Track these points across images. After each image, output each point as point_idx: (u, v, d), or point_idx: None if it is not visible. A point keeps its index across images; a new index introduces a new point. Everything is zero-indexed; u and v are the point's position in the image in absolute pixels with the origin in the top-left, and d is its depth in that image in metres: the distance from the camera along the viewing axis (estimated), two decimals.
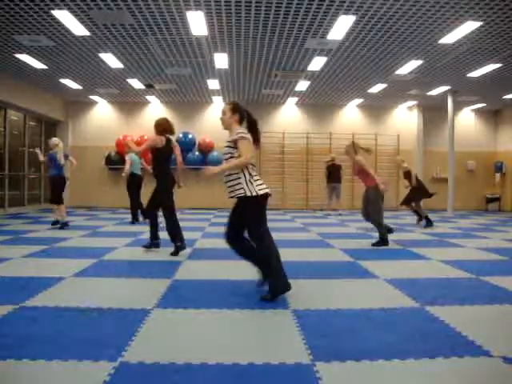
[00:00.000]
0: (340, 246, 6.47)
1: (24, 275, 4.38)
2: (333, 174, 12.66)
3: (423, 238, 7.60)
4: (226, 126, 3.89)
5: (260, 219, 3.67)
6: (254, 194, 3.57)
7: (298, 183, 14.81)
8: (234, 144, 3.69)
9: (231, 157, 3.68)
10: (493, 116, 15.73)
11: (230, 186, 3.70)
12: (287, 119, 15.09)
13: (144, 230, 8.15)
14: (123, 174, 9.22)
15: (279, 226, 9.38)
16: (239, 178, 3.62)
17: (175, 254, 5.66)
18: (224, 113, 3.87)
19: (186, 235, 7.57)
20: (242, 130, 3.69)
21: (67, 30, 7.86)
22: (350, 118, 15.23)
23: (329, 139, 14.85)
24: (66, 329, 2.87)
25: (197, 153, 14.22)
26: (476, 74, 10.57)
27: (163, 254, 5.76)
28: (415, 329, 2.97)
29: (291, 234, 7.93)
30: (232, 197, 3.73)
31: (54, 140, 8.52)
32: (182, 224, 9.48)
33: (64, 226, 8.30)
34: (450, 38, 8.10)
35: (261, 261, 3.76)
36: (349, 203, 14.54)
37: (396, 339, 2.75)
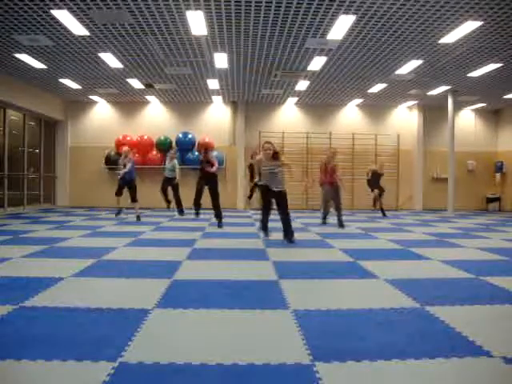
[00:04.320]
0: (340, 246, 6.46)
1: (24, 275, 4.37)
2: None
3: (423, 238, 7.60)
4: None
5: None
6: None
7: (297, 183, 14.76)
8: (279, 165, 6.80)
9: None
10: (493, 116, 15.73)
11: (276, 181, 6.71)
12: (287, 119, 15.09)
13: (144, 230, 8.15)
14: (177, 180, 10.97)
15: (279, 225, 9.37)
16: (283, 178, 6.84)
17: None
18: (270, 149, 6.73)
19: (186, 235, 7.60)
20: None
21: (67, 30, 7.86)
22: (350, 117, 15.23)
23: (329, 139, 14.84)
24: (65, 329, 2.87)
25: (196, 153, 14.21)
26: (476, 73, 10.57)
27: (163, 253, 5.76)
28: (415, 329, 2.96)
29: None
30: (279, 190, 6.74)
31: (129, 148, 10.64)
32: (181, 224, 9.49)
33: (139, 218, 10.11)
34: (450, 38, 8.10)
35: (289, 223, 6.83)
36: (349, 203, 14.54)
37: (396, 339, 2.74)
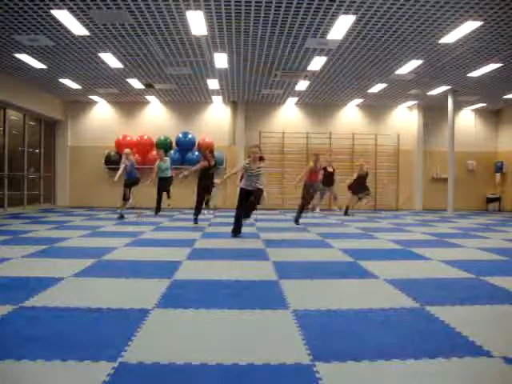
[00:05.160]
0: (340, 246, 6.46)
1: (24, 275, 4.38)
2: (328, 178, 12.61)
3: (423, 238, 7.60)
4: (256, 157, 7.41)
5: None
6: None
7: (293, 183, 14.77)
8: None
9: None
10: (493, 116, 15.73)
11: (258, 182, 7.35)
12: (287, 119, 15.09)
13: (144, 230, 8.15)
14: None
15: (279, 226, 9.38)
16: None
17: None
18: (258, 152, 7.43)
19: (186, 235, 7.60)
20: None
21: (67, 30, 7.86)
22: (350, 117, 15.24)
23: (329, 139, 14.85)
24: (65, 329, 2.87)
25: (196, 153, 14.21)
26: (476, 73, 10.57)
27: (163, 254, 5.76)
28: (415, 329, 2.96)
29: (291, 234, 7.93)
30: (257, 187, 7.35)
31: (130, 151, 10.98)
32: (181, 224, 9.49)
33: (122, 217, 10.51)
34: (450, 38, 8.10)
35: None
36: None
37: (396, 339, 2.74)
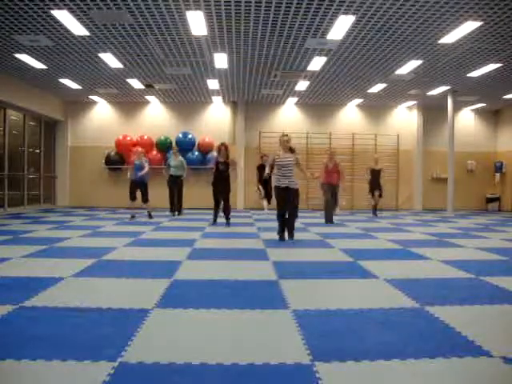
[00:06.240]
0: (340, 246, 6.46)
1: (24, 275, 4.37)
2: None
3: (423, 238, 7.60)
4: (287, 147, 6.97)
5: None
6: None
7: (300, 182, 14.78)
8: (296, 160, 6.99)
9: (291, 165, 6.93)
10: (493, 116, 15.73)
11: (291, 177, 6.82)
12: (287, 119, 15.10)
13: (144, 230, 8.15)
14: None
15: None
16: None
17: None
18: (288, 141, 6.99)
19: (186, 235, 7.60)
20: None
21: (67, 30, 7.86)
22: (350, 117, 15.24)
23: (329, 139, 14.85)
24: (65, 329, 2.87)
25: (196, 153, 14.22)
26: (476, 73, 10.58)
27: (163, 253, 5.76)
28: (415, 329, 2.96)
29: None
30: (289, 187, 6.80)
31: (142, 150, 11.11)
32: (181, 224, 9.49)
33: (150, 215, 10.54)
34: (449, 38, 8.10)
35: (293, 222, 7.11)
36: (349, 203, 14.55)
37: (396, 339, 2.74)
